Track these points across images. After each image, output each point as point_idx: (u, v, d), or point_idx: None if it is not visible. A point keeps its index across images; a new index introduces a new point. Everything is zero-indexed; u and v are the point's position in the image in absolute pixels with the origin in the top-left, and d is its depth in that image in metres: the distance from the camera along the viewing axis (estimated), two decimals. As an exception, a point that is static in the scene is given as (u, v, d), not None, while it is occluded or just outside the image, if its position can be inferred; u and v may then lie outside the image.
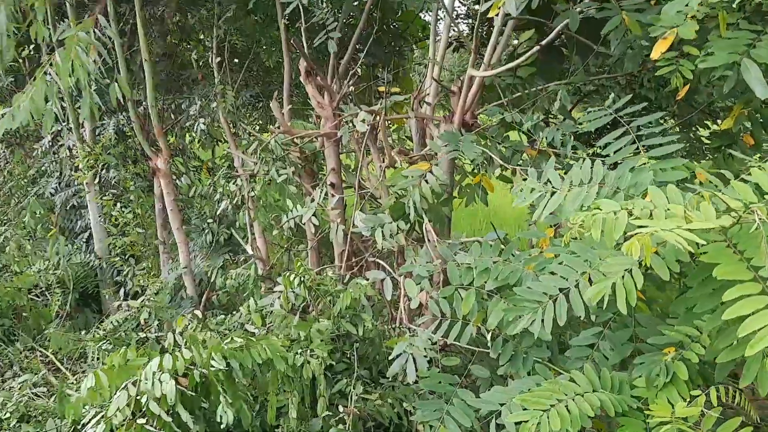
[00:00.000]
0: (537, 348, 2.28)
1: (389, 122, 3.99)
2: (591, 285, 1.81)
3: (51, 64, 4.01)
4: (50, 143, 7.21)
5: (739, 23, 1.98)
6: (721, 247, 1.43)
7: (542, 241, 2.53)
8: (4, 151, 8.73)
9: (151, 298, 5.07)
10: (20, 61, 6.76)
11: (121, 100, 4.81)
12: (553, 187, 1.89)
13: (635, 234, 1.35)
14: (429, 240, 3.00)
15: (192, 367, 3.11)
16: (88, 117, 4.41)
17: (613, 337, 2.12)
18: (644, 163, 1.98)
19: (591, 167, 1.87)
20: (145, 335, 4.12)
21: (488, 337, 2.33)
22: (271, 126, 6.99)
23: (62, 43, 4.15)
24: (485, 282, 2.37)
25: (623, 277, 1.52)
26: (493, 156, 2.98)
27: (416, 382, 2.60)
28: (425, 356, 2.47)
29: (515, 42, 4.61)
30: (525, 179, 2.56)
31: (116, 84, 4.43)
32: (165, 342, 4.03)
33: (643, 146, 2.03)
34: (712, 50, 1.91)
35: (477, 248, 2.52)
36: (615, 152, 2.06)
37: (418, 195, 3.03)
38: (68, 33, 3.97)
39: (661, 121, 2.20)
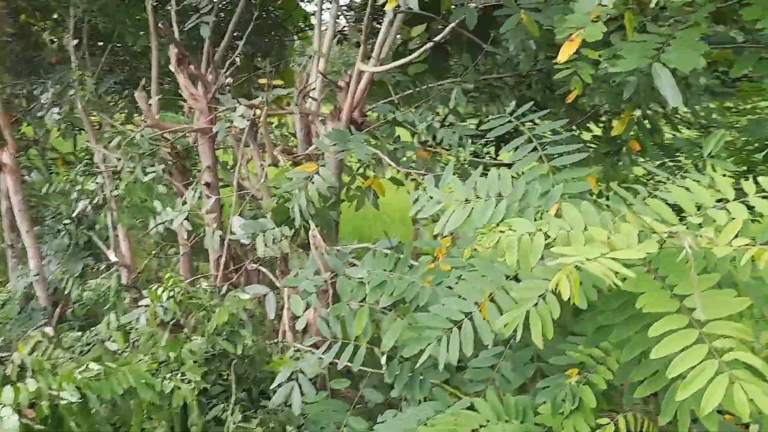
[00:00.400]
0: (434, 370, 2.10)
1: (271, 118, 3.69)
2: (496, 307, 1.65)
3: None
4: None
5: (646, 26, 1.90)
6: (641, 272, 1.30)
7: (438, 251, 2.36)
8: None
9: (-6, 311, 4.45)
10: None
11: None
12: (457, 199, 1.70)
13: (558, 263, 1.19)
14: (316, 248, 2.75)
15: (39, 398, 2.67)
16: None
17: (513, 357, 1.98)
18: (546, 174, 1.85)
19: (499, 178, 1.71)
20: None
21: (383, 359, 2.12)
22: (138, 117, 6.43)
23: None
24: (379, 298, 2.16)
25: (537, 304, 1.36)
26: (384, 158, 2.77)
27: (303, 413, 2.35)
28: (312, 381, 2.23)
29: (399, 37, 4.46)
30: (420, 186, 2.38)
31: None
32: (9, 366, 3.49)
33: (546, 155, 1.90)
34: (621, 53, 1.81)
35: (370, 259, 2.30)
36: (518, 161, 1.92)
37: (305, 198, 2.77)
38: None
39: (561, 129, 2.09)
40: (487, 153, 4.07)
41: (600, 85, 2.26)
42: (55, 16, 5.59)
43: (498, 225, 1.41)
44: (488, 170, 1.92)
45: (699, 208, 1.34)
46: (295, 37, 7.31)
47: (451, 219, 1.68)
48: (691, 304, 1.22)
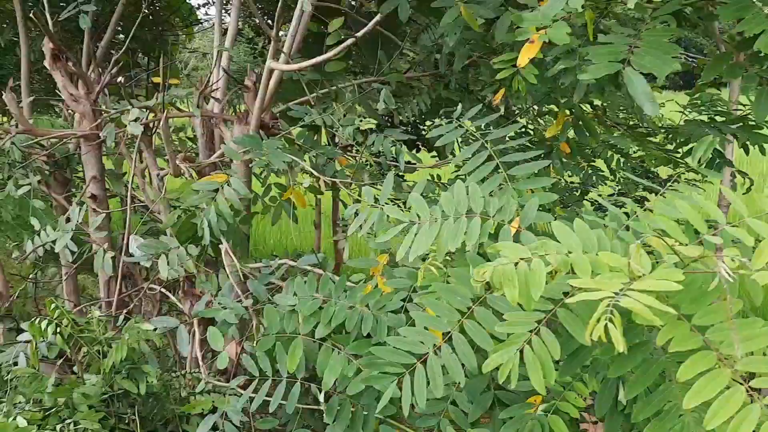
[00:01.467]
0: (384, 406, 1.88)
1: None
2: (466, 338, 1.45)
3: None
4: None
5: (611, 27, 1.77)
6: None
7: (374, 270, 2.13)
8: None
9: None
10: None
11: None
12: (422, 217, 1.49)
13: (580, 299, 1.00)
14: (230, 271, 2.45)
15: None
16: None
17: (469, 385, 1.80)
18: (502, 185, 1.68)
19: (467, 192, 1.51)
20: None
21: (320, 397, 1.87)
22: (5, 120, 5.72)
23: None
24: (314, 328, 1.91)
25: (530, 341, 1.17)
26: (305, 166, 2.51)
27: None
28: (238, 426, 1.94)
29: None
30: (356, 198, 2.16)
31: None
32: None
33: (502, 163, 1.73)
34: (589, 58, 1.66)
35: (299, 283, 2.03)
36: (473, 171, 1.73)
37: (214, 213, 2.45)
38: None
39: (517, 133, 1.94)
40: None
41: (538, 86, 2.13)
42: None
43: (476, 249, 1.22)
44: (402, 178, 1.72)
45: (710, 225, 1.21)
46: (180, 33, 6.83)
47: (417, 240, 1.46)
48: (716, 338, 1.07)
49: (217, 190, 2.51)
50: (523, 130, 3.11)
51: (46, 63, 3.21)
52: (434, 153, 4.80)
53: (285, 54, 2.77)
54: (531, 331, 1.21)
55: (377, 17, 2.28)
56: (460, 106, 1.98)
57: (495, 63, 2.10)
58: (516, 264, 1.12)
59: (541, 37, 1.67)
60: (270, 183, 2.83)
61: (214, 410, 2.24)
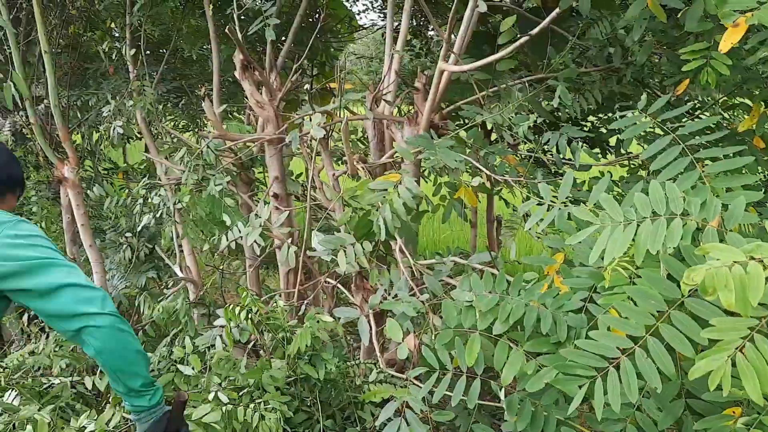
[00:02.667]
0: (562, 407, 1.87)
1: (339, 125, 3.50)
2: (660, 342, 1.41)
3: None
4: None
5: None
6: None
7: (550, 268, 2.12)
8: None
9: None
10: None
11: (18, 101, 4.09)
12: (613, 218, 1.46)
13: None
14: (404, 265, 2.54)
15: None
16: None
17: (658, 391, 1.73)
18: (696, 183, 1.59)
19: (665, 191, 1.45)
20: (55, 380, 3.44)
21: (501, 394, 1.90)
22: (197, 127, 6.34)
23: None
24: (492, 324, 1.94)
25: (742, 348, 1.12)
26: (476, 164, 2.54)
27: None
28: (419, 416, 2.02)
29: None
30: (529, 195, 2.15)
31: (11, 82, 3.72)
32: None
33: (699, 159, 1.64)
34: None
35: (475, 280, 2.07)
36: (664, 168, 1.66)
37: (389, 212, 2.56)
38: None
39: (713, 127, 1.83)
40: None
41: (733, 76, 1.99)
42: (112, 25, 5.52)
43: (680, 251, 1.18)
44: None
45: None
46: (342, 39, 7.14)
47: (612, 242, 1.44)
48: None
49: (392, 189, 2.62)
50: (714, 124, 2.91)
51: (236, 73, 3.52)
52: (597, 150, 4.63)
53: (455, 55, 2.82)
54: (744, 338, 1.15)
55: (554, 13, 2.25)
56: (644, 97, 1.90)
57: (682, 53, 1.99)
58: (730, 267, 1.07)
59: (748, 20, 1.56)
60: (441, 182, 2.90)
61: (390, 400, 2.34)
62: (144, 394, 1.81)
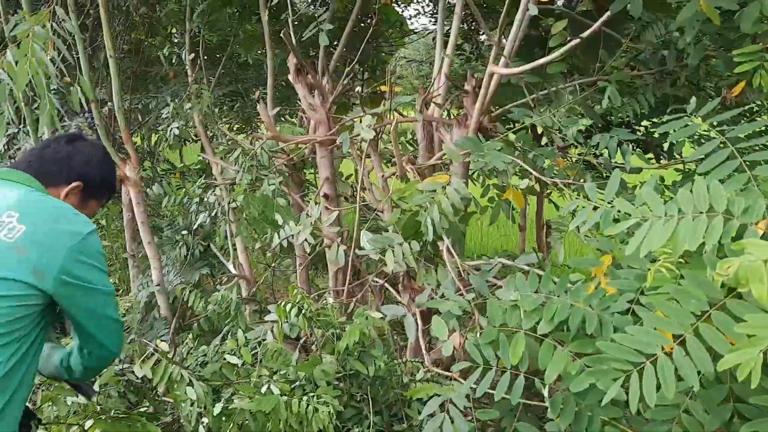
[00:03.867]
0: (604, 406, 1.88)
1: (388, 127, 3.56)
2: (700, 340, 1.41)
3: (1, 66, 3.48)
4: (5, 146, 6.63)
5: None
6: None
7: (597, 270, 2.13)
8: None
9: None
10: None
11: (84, 104, 4.29)
12: (656, 213, 1.47)
13: None
14: (451, 266, 2.59)
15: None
16: (47, 124, 3.87)
17: (704, 394, 1.73)
18: (746, 185, 1.59)
19: (707, 189, 1.46)
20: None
21: (545, 391, 1.92)
22: (251, 129, 6.51)
23: (15, 39, 3.63)
24: (536, 324, 1.96)
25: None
26: (525, 167, 2.57)
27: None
28: (463, 412, 2.06)
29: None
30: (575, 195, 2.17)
31: (78, 85, 3.91)
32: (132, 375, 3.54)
33: (746, 162, 1.64)
34: None
35: (520, 280, 2.10)
36: (712, 170, 1.66)
37: (437, 212, 2.61)
38: (22, 27, 3.44)
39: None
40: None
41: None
42: (172, 31, 5.74)
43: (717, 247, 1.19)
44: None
45: None
46: (393, 43, 7.22)
47: (649, 237, 1.45)
48: None
49: (441, 190, 2.66)
50: (766, 126, 2.86)
51: (290, 77, 3.63)
52: (650, 155, 4.56)
53: (505, 58, 2.85)
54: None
55: (606, 15, 2.26)
56: (693, 100, 1.90)
57: (736, 55, 1.98)
58: (766, 262, 1.08)
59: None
60: (489, 184, 2.93)
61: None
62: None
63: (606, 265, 2.09)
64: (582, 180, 2.51)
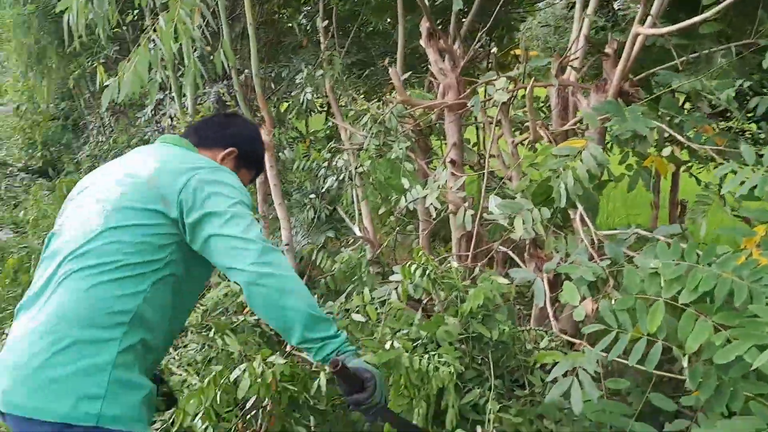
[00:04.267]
0: (751, 381, 1.77)
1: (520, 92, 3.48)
2: None
3: (155, 29, 3.76)
4: (152, 112, 7.16)
5: None
6: None
7: (747, 241, 1.99)
8: (109, 119, 8.87)
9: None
10: (124, 27, 6.68)
11: (227, 68, 4.54)
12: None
13: None
14: (583, 234, 2.51)
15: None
16: (191, 86, 4.14)
17: None
18: None
19: None
20: (243, 318, 3.85)
21: (684, 362, 1.84)
22: (377, 98, 6.61)
23: (166, 7, 3.90)
24: (677, 294, 1.87)
25: None
26: (672, 133, 2.43)
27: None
28: (593, 378, 2.01)
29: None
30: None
31: (221, 51, 4.14)
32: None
33: None
34: None
35: (662, 247, 2.01)
36: None
37: (571, 178, 2.54)
38: (172, -6, 3.69)
39: None
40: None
41: None
42: (303, 2, 5.93)
43: None
44: None
45: None
46: (525, 9, 7.03)
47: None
48: None
49: (576, 156, 2.58)
50: None
51: (422, 42, 3.64)
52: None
53: (652, 17, 2.69)
54: None
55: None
56: None
57: None
58: None
59: None
60: (627, 150, 2.81)
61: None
62: (311, 347, 1.79)
63: (759, 236, 1.95)
64: (734, 148, 2.34)
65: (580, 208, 2.62)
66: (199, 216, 1.78)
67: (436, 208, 3.36)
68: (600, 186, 2.80)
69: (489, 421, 2.46)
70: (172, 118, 6.79)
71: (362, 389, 1.79)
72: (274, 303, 1.71)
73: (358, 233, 4.31)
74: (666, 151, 2.59)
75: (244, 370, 2.82)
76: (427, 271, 2.91)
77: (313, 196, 5.47)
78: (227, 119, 2.26)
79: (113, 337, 1.69)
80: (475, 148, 4.58)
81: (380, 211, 4.57)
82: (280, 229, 5.08)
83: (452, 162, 3.66)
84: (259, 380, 2.71)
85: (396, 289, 3.16)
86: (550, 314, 2.51)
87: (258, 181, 5.58)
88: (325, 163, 4.59)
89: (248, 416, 2.93)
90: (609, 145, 3.75)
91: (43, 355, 1.65)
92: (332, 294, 4.52)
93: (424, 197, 3.22)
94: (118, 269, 1.74)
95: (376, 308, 3.30)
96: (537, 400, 2.68)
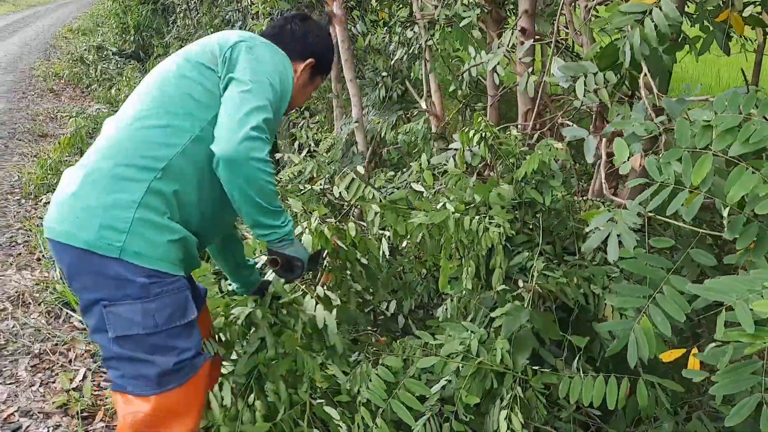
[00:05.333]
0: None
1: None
2: None
3: None
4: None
5: None
6: None
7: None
8: (195, 1, 9.00)
9: (321, 153, 4.98)
10: None
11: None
12: None
13: None
14: (645, 95, 2.41)
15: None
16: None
17: None
18: None
19: None
20: (311, 188, 4.01)
21: (725, 212, 1.79)
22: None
23: None
24: (728, 146, 1.80)
25: None
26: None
27: (611, 263, 2.15)
28: (633, 231, 2.00)
29: None
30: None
31: None
32: (331, 195, 3.91)
33: None
34: None
35: (719, 99, 1.91)
36: None
37: (638, 37, 2.40)
38: None
39: None
40: None
41: None
42: None
43: None
44: None
45: None
46: None
47: None
48: None
49: (645, 13, 2.44)
50: None
51: None
52: None
53: None
54: None
55: None
56: None
57: None
58: None
59: None
60: (705, 9, 2.61)
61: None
62: (259, 233, 1.93)
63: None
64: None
65: (646, 71, 2.49)
66: (227, 79, 1.87)
67: (500, 77, 3.29)
68: (671, 49, 2.64)
69: (532, 277, 2.51)
70: (251, -3, 6.83)
71: (292, 271, 2.08)
72: (238, 186, 1.78)
73: (424, 107, 4.30)
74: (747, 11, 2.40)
75: (306, 227, 3.00)
76: (484, 137, 2.90)
77: (385, 74, 5.45)
78: (303, 27, 2.22)
79: (143, 179, 1.77)
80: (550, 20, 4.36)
81: (450, 89, 4.52)
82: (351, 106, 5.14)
83: (522, 30, 3.53)
84: (317, 234, 2.87)
85: (454, 156, 3.18)
86: (602, 177, 2.47)
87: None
88: (396, 37, 4.54)
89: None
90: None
91: (78, 185, 1.78)
92: (397, 166, 4.60)
93: (484, 65, 3.15)
94: (165, 115, 1.84)
95: (434, 176, 3.35)
96: (586, 265, 2.70)
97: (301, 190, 4.09)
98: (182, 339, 1.83)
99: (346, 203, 3.82)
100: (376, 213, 3.01)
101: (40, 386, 3.07)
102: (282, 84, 1.94)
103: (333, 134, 5.71)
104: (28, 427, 2.79)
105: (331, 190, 3.86)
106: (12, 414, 2.85)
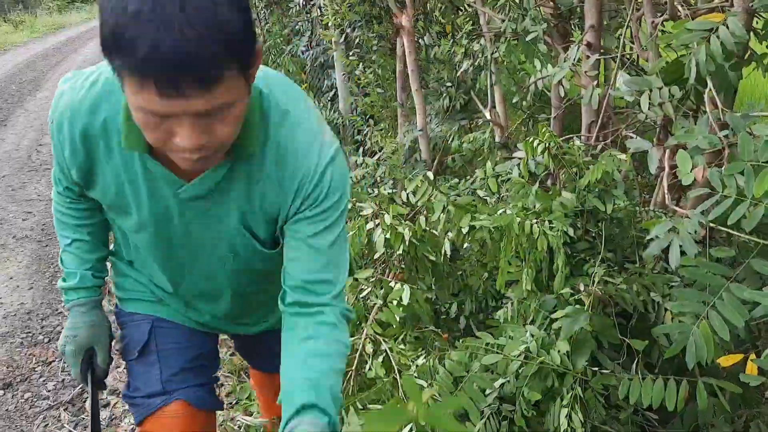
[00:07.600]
0: None
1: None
2: None
3: None
4: (303, 2, 7.50)
5: None
6: None
7: None
8: (264, 11, 9.36)
9: (387, 158, 5.16)
10: None
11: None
12: None
13: None
14: (710, 109, 2.48)
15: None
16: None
17: None
18: None
19: None
20: (379, 190, 4.18)
21: (786, 227, 1.87)
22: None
23: None
24: (792, 160, 1.87)
25: None
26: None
27: (673, 271, 2.24)
28: (695, 240, 2.08)
29: None
30: None
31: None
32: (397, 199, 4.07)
33: None
34: None
35: (784, 118, 1.99)
36: None
37: (704, 54, 2.48)
38: None
39: None
40: None
41: None
42: None
43: None
44: None
45: None
46: None
47: None
48: None
49: (711, 31, 2.51)
50: None
51: None
52: None
53: None
54: None
55: None
56: None
57: None
58: None
59: None
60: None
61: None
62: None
63: None
64: None
65: (711, 86, 2.56)
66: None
67: (565, 89, 3.39)
68: (737, 65, 2.70)
69: (593, 282, 2.61)
70: (320, 8, 7.09)
71: None
72: (322, 359, 1.41)
73: (488, 117, 4.42)
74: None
75: (378, 224, 3.19)
76: (548, 146, 3.01)
77: (449, 84, 5.59)
78: None
79: None
80: (618, 34, 4.42)
81: (514, 100, 4.63)
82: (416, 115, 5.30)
83: (588, 45, 3.62)
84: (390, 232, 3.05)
85: (518, 165, 3.30)
86: (665, 187, 2.55)
87: (398, 69, 5.77)
88: (462, 49, 4.68)
89: (379, 266, 3.31)
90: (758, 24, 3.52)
91: None
92: (460, 173, 4.74)
93: (550, 78, 3.26)
94: None
95: (498, 184, 3.47)
96: (646, 273, 2.78)
97: (370, 193, 4.28)
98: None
99: (411, 207, 3.97)
100: (442, 209, 3.16)
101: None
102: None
103: (396, 140, 5.89)
104: None
105: (399, 194, 4.02)
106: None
